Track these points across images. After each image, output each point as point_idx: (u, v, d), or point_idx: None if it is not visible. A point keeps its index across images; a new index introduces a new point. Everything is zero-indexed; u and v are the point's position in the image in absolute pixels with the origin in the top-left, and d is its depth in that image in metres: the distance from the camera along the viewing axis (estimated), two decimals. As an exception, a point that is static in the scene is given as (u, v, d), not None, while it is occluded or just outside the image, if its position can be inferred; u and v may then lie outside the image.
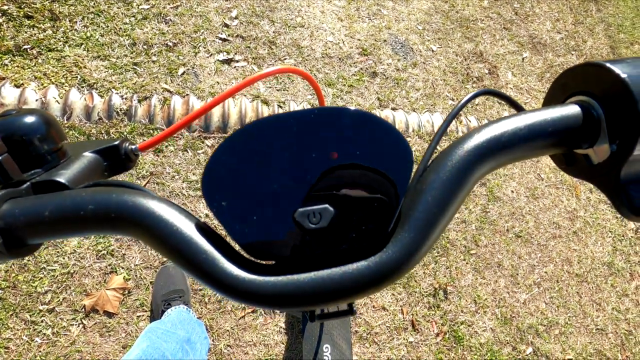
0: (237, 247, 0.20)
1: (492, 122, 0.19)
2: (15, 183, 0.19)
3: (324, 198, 0.18)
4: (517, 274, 1.45)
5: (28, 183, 0.19)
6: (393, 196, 0.18)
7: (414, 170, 0.19)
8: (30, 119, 0.20)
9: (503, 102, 0.25)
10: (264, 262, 0.19)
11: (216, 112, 1.36)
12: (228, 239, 0.20)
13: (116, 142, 0.22)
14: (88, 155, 0.21)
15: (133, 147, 0.23)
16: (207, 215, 1.22)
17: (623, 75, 0.17)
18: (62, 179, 0.19)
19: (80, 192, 0.18)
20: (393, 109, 1.62)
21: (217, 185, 0.18)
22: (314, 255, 0.18)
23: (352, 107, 0.19)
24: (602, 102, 0.19)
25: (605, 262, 1.58)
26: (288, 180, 0.18)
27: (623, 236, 1.67)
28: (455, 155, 0.18)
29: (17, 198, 0.18)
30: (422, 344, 1.26)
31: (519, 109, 0.21)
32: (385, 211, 0.18)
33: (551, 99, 0.21)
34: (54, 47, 1.31)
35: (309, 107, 1.47)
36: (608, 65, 0.18)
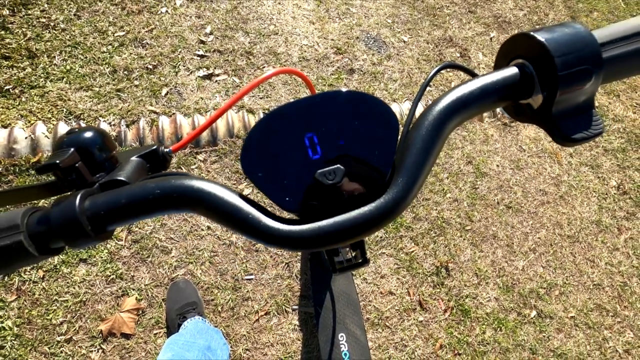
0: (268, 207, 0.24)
1: (454, 88, 0.24)
2: (88, 184, 0.23)
3: (336, 160, 0.23)
4: (513, 243, 1.52)
5: (97, 184, 0.23)
6: (387, 152, 0.23)
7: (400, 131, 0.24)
8: (92, 134, 0.24)
9: (461, 71, 0.31)
10: (293, 216, 0.23)
11: (204, 127, 1.39)
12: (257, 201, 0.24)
13: (154, 147, 0.27)
14: (135, 159, 0.25)
15: (167, 149, 0.27)
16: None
17: (542, 39, 0.22)
18: (122, 177, 0.23)
19: (146, 182, 0.22)
20: (374, 102, 1.67)
21: (253, 160, 0.22)
22: (331, 205, 0.22)
23: (345, 89, 0.24)
24: (533, 62, 0.24)
25: (593, 221, 1.66)
26: (308, 149, 0.22)
27: (606, 194, 1.75)
28: (429, 117, 0.24)
29: (93, 195, 0.22)
30: (432, 322, 1.31)
31: (473, 75, 0.26)
32: (382, 164, 0.23)
33: (498, 64, 0.27)
34: (35, 84, 1.32)
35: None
36: (532, 33, 0.23)
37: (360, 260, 0.31)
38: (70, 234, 0.21)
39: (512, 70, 0.25)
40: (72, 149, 0.23)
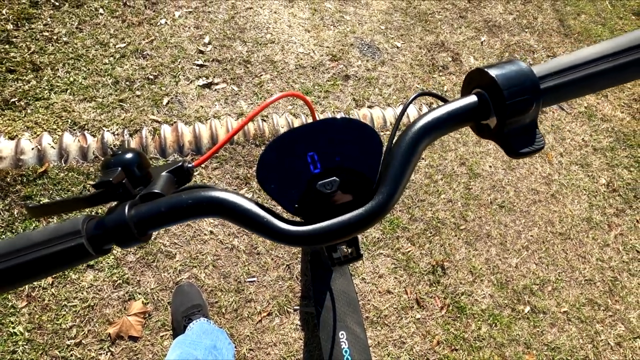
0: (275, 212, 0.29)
1: (427, 112, 0.30)
2: (131, 196, 0.28)
3: (332, 174, 0.29)
4: (506, 241, 1.56)
5: (138, 196, 0.28)
6: (374, 166, 0.29)
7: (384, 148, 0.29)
8: (133, 155, 0.29)
9: (434, 97, 0.37)
10: (299, 219, 0.28)
11: (205, 136, 1.44)
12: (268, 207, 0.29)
13: (180, 164, 0.32)
14: (165, 174, 0.30)
15: (190, 165, 0.32)
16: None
17: (493, 75, 0.28)
18: (158, 190, 0.28)
19: (180, 194, 0.27)
20: (369, 106, 1.72)
21: (265, 175, 0.27)
22: (329, 210, 0.27)
23: (339, 116, 0.30)
24: (488, 91, 0.29)
25: (584, 218, 1.71)
26: (308, 165, 0.27)
27: (596, 192, 1.80)
28: (407, 137, 0.29)
29: (137, 205, 0.27)
30: (429, 319, 1.35)
31: (444, 100, 0.31)
32: (369, 177, 0.28)
33: (463, 92, 0.32)
34: (40, 96, 1.37)
35: (291, 117, 1.55)
36: (485, 69, 0.29)
37: (355, 255, 0.36)
38: (120, 237, 0.26)
39: (472, 98, 0.30)
40: (119, 168, 0.28)
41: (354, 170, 0.29)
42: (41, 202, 0.31)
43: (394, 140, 0.30)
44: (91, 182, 1.24)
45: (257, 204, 0.27)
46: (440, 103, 0.30)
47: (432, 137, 0.29)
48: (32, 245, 0.25)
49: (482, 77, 0.29)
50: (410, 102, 0.33)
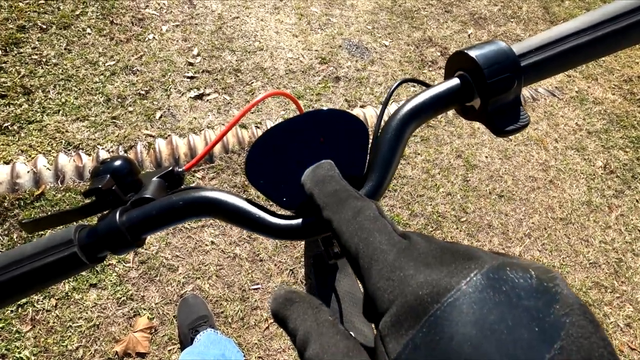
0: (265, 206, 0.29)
1: (411, 98, 0.30)
2: (122, 203, 0.28)
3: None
4: (508, 230, 1.56)
5: (129, 202, 0.28)
6: (362, 155, 0.29)
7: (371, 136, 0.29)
8: (122, 161, 0.29)
9: (417, 83, 0.37)
10: (290, 213, 0.28)
11: (199, 147, 1.44)
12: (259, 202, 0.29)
13: (170, 168, 0.32)
14: (155, 179, 0.30)
15: (180, 169, 0.32)
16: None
17: (473, 55, 0.28)
18: (149, 195, 0.28)
19: (170, 196, 0.27)
20: (362, 106, 1.73)
21: (254, 171, 0.27)
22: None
23: (325, 108, 0.29)
24: (470, 73, 0.29)
25: (583, 202, 1.71)
26: (296, 158, 0.27)
27: (594, 175, 1.81)
28: (393, 123, 0.29)
29: (128, 210, 0.27)
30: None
31: (426, 85, 0.32)
32: (358, 166, 0.28)
33: (446, 75, 0.32)
34: (32, 118, 1.37)
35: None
36: (466, 51, 0.29)
37: None
38: (114, 243, 0.26)
39: (455, 81, 0.30)
40: (108, 175, 0.28)
41: (341, 160, 0.29)
42: (34, 218, 0.31)
43: (380, 128, 0.30)
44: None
45: (248, 201, 0.27)
46: (424, 88, 0.30)
47: (417, 122, 0.29)
48: (25, 258, 0.25)
49: (463, 59, 0.29)
50: (394, 90, 0.33)
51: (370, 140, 0.30)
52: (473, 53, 0.28)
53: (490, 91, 0.28)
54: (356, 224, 0.19)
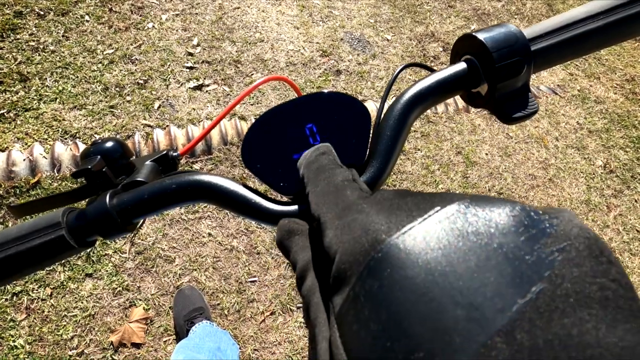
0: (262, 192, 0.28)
1: (415, 83, 0.29)
2: (113, 186, 0.27)
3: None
4: (506, 228, 1.56)
5: (120, 185, 0.27)
6: (363, 140, 0.27)
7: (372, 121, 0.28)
8: (113, 143, 0.28)
9: (421, 68, 0.35)
10: (286, 199, 0.27)
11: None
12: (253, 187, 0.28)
13: (164, 152, 0.30)
14: (149, 163, 0.29)
15: (175, 153, 0.31)
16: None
17: (482, 38, 0.27)
18: (141, 178, 0.27)
19: (164, 179, 0.26)
20: (363, 100, 1.71)
21: (251, 155, 0.26)
22: None
23: (327, 90, 0.28)
24: (477, 57, 0.28)
25: (582, 201, 1.71)
26: (295, 141, 0.26)
27: (593, 174, 1.80)
28: (395, 109, 0.28)
29: (119, 193, 0.26)
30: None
31: (431, 70, 0.30)
32: (359, 152, 0.27)
33: (452, 60, 0.31)
34: (29, 106, 1.35)
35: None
36: (474, 34, 0.27)
37: None
38: (103, 227, 0.25)
39: (461, 65, 0.29)
40: (98, 157, 0.27)
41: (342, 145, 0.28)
42: (23, 202, 0.30)
43: (383, 113, 0.29)
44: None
45: (244, 185, 0.26)
46: (429, 73, 0.29)
47: (421, 108, 0.28)
48: (9, 241, 0.24)
49: (471, 43, 0.28)
50: (398, 74, 0.32)
51: (372, 126, 0.28)
52: (481, 36, 0.27)
53: (498, 76, 0.27)
54: (326, 190, 0.18)
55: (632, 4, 0.28)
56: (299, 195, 0.27)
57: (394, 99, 0.29)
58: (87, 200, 0.27)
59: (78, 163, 1.29)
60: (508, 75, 0.27)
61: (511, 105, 0.28)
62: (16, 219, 1.17)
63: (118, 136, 1.36)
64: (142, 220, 0.27)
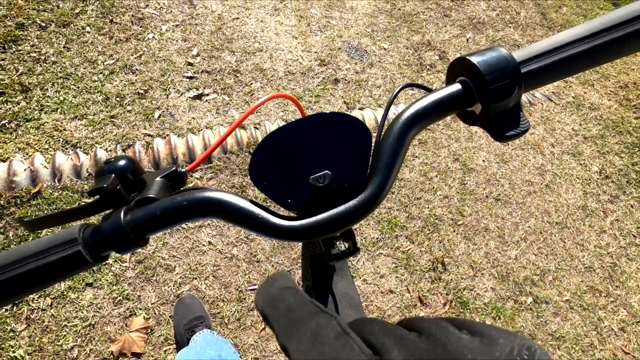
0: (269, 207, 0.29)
1: (413, 103, 0.30)
2: (126, 202, 0.28)
3: (324, 168, 0.29)
4: (504, 234, 1.57)
5: (133, 202, 0.28)
6: (364, 158, 0.29)
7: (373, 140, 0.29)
8: (126, 161, 0.29)
9: (419, 88, 0.37)
10: (292, 214, 0.28)
11: (198, 147, 1.44)
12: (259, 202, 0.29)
13: (173, 169, 0.32)
14: (159, 179, 0.31)
15: (184, 170, 0.32)
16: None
17: (475, 62, 0.29)
18: (153, 195, 0.28)
19: (174, 196, 0.27)
20: (360, 108, 1.73)
21: (259, 172, 0.27)
22: (322, 204, 0.28)
23: (328, 111, 0.29)
24: (471, 79, 0.30)
25: (579, 206, 1.73)
26: (300, 160, 0.28)
27: (589, 180, 1.82)
28: (395, 128, 0.30)
29: (132, 210, 0.27)
30: (432, 316, 1.35)
31: (429, 90, 0.32)
32: (360, 169, 0.29)
33: (447, 81, 0.32)
34: (30, 116, 1.36)
35: (283, 123, 1.56)
36: (467, 57, 0.29)
37: (352, 250, 0.36)
38: (118, 243, 0.26)
39: (456, 87, 0.31)
40: (113, 175, 0.29)
41: (344, 164, 0.29)
42: (35, 216, 0.31)
43: (383, 132, 0.30)
44: (87, 188, 1.24)
45: (251, 201, 0.27)
46: (426, 93, 0.31)
47: (419, 127, 0.30)
48: (28, 256, 0.25)
49: (465, 65, 0.30)
50: (396, 95, 0.33)
51: (373, 144, 0.30)
52: (475, 59, 0.29)
53: (491, 97, 0.28)
54: (315, 350, 0.16)
55: (616, 28, 0.30)
56: (304, 210, 0.29)
57: (393, 116, 0.31)
58: (100, 216, 0.28)
59: (79, 172, 1.30)
60: (500, 96, 0.28)
61: (504, 124, 0.30)
62: (23, 233, 1.17)
63: (119, 147, 1.37)
64: (149, 237, 0.29)
